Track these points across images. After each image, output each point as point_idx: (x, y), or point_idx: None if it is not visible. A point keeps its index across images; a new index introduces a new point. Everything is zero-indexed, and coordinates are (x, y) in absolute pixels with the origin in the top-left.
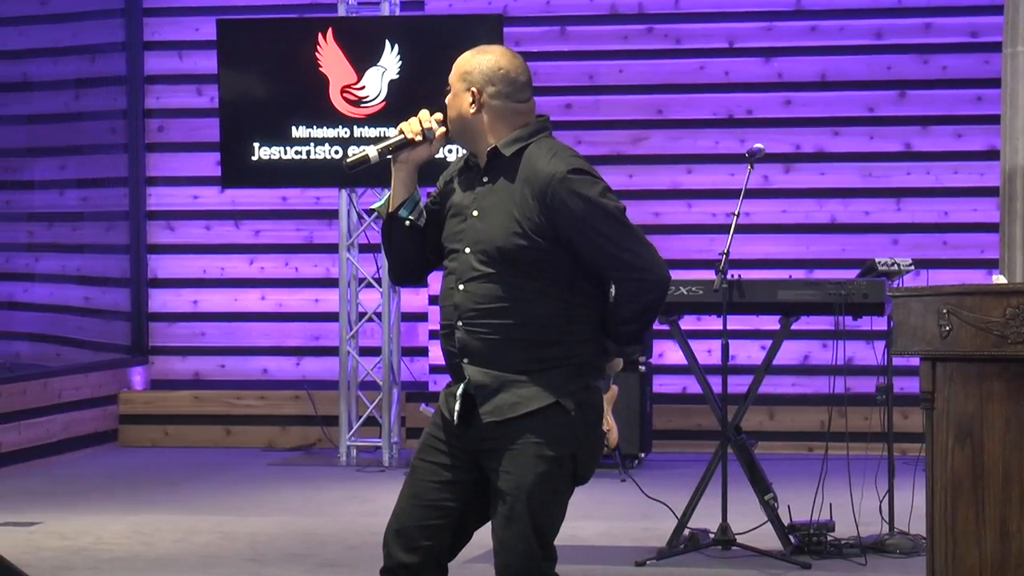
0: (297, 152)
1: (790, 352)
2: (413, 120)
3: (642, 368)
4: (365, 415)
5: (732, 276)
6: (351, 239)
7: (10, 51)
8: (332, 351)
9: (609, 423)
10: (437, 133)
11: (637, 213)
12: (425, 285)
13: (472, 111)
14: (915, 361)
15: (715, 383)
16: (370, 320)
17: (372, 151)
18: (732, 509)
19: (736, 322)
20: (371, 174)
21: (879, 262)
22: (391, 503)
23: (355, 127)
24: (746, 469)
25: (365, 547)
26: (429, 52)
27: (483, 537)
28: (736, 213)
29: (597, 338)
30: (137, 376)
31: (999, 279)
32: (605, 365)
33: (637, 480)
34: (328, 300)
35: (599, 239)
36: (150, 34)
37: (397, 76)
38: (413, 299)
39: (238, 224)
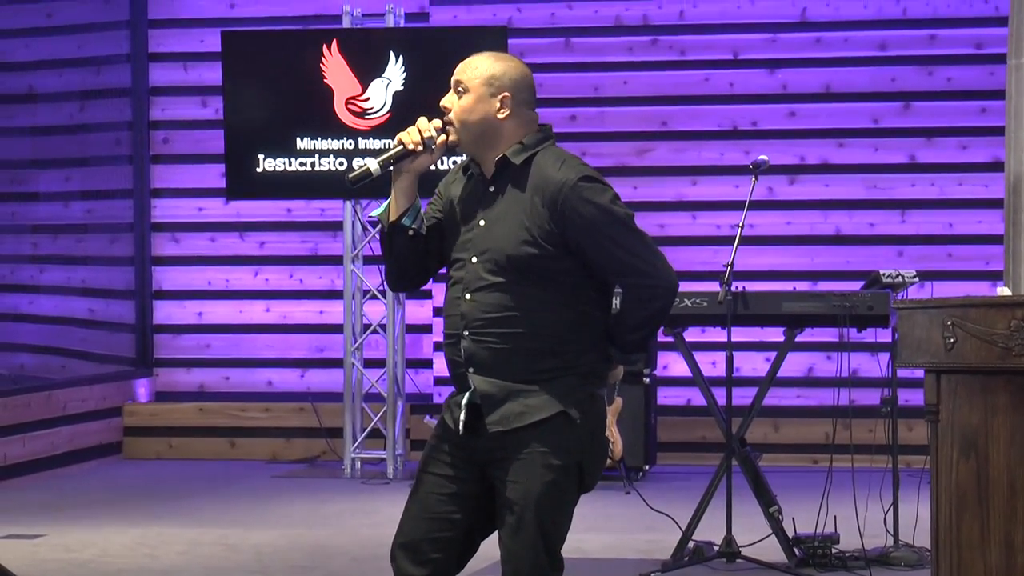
0: (302, 164)
1: (794, 364)
2: (412, 130)
3: (646, 380)
4: (369, 427)
5: (736, 288)
6: (356, 251)
7: (15, 63)
8: (337, 363)
9: (613, 435)
10: (438, 141)
11: (642, 225)
12: (421, 287)
13: (503, 116)
14: (919, 373)
15: (719, 395)
16: (375, 332)
17: (373, 164)
18: (736, 521)
19: (740, 334)
20: (375, 186)
21: (883, 274)
22: (396, 515)
23: (360, 139)
24: (751, 481)
25: (370, 559)
26: (433, 64)
27: (490, 549)
28: (741, 225)
29: (602, 346)
30: (142, 388)
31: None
32: (608, 373)
33: (641, 492)
34: (333, 312)
35: (610, 245)
36: (155, 46)
37: (402, 88)
38: (418, 311)
39: (243, 236)
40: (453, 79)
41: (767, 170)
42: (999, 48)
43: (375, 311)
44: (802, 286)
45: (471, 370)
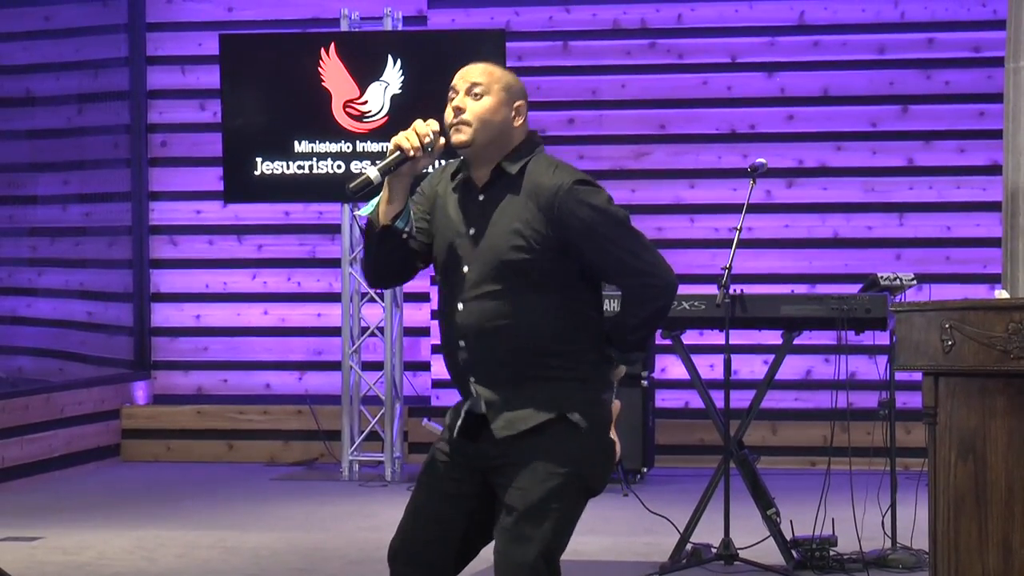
0: (300, 167)
1: (792, 367)
2: (410, 134)
3: (644, 383)
4: (367, 430)
5: (734, 291)
6: (353, 254)
7: (13, 66)
8: (335, 366)
9: (612, 438)
10: (438, 144)
11: (639, 228)
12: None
13: (517, 124)
14: (917, 376)
15: (717, 398)
16: (372, 335)
17: (373, 172)
18: (735, 524)
19: (738, 337)
20: (374, 190)
21: (882, 277)
22: (394, 518)
23: (358, 142)
24: (749, 484)
25: (367, 562)
26: (432, 67)
27: (488, 551)
28: (739, 228)
29: (600, 348)
30: (140, 391)
31: (1002, 294)
32: (610, 374)
33: (639, 495)
34: (331, 315)
35: (609, 246)
36: (153, 49)
37: (400, 91)
38: (416, 314)
39: (241, 239)
40: (464, 82)
41: (765, 173)
42: (997, 52)
43: (373, 314)
44: (800, 289)
45: (472, 379)
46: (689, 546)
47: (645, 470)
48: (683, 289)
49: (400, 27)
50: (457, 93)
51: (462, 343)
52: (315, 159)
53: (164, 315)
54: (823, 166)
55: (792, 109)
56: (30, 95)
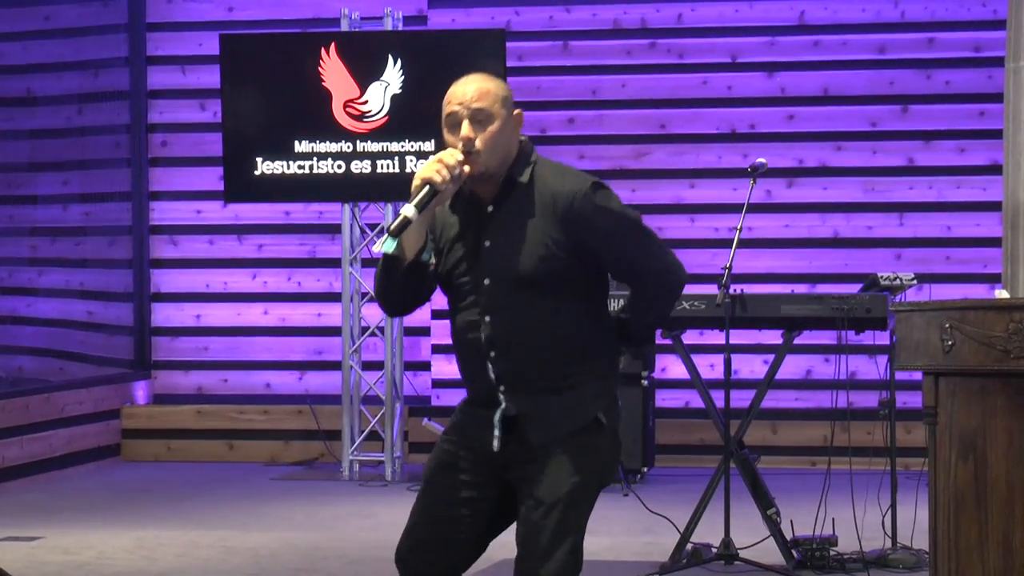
0: (300, 167)
1: (793, 367)
2: (440, 168)
3: (644, 383)
4: (368, 429)
5: (735, 290)
6: (354, 253)
7: (14, 66)
8: (335, 365)
9: None
10: (465, 171)
11: None
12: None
13: (518, 138)
14: (918, 376)
15: (718, 397)
16: (373, 334)
17: (410, 211)
18: (735, 524)
19: (739, 336)
20: (374, 190)
21: (882, 276)
22: (394, 518)
23: (358, 141)
24: (749, 484)
25: (368, 562)
26: (432, 67)
27: (490, 550)
28: (739, 228)
29: (614, 343)
30: (140, 391)
31: (1002, 294)
32: (619, 367)
33: (640, 495)
34: (331, 314)
35: (629, 249)
36: (153, 49)
37: (400, 91)
38: (416, 314)
39: (241, 239)
40: (465, 109)
41: (765, 173)
42: (997, 51)
43: (373, 314)
44: (800, 289)
45: (502, 388)
46: (689, 546)
47: (645, 470)
48: (683, 289)
49: (400, 27)
50: (458, 119)
51: (492, 354)
52: (315, 159)
53: (164, 315)
54: (823, 166)
55: (792, 109)
56: (31, 95)
